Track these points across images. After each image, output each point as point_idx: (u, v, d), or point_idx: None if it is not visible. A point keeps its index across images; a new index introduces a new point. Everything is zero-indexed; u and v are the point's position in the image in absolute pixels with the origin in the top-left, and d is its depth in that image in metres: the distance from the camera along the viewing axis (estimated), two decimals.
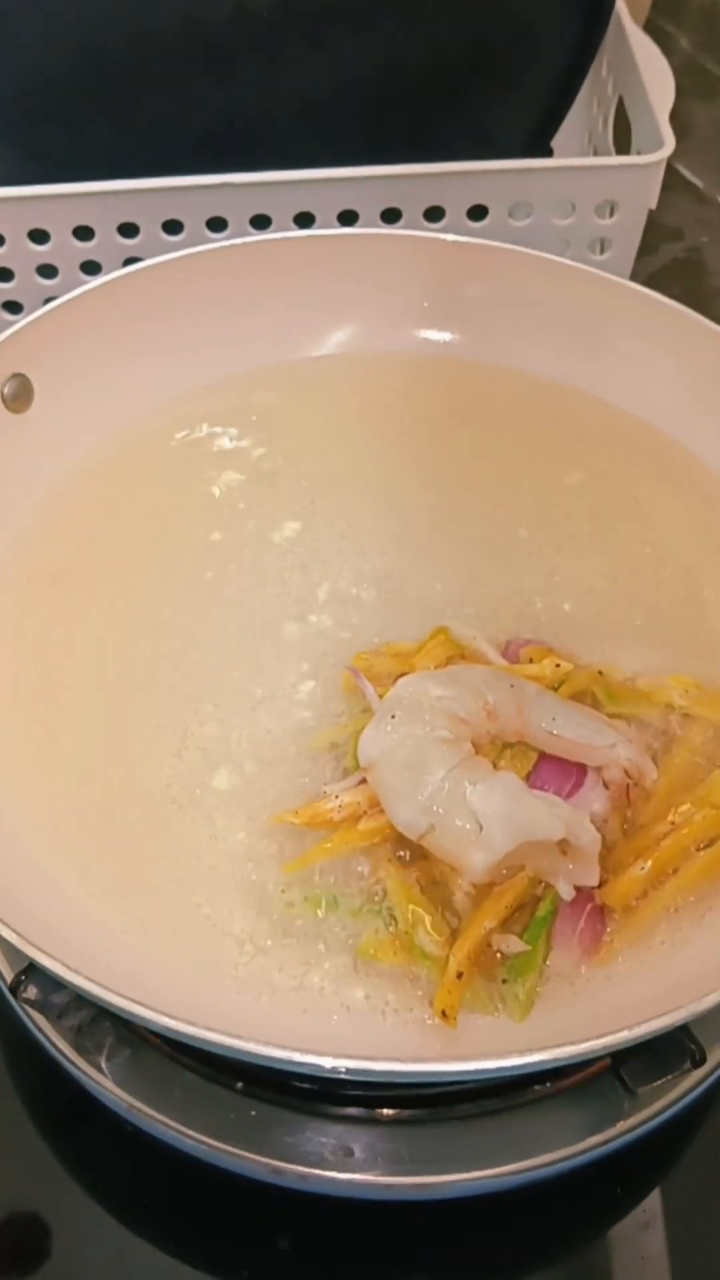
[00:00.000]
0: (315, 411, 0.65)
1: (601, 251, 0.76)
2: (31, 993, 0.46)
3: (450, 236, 0.66)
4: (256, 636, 0.55)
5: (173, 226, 0.71)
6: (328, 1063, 0.38)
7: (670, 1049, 0.45)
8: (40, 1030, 0.49)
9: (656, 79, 0.75)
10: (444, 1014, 0.43)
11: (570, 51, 0.76)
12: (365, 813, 0.47)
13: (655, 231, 0.86)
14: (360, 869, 0.47)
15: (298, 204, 0.71)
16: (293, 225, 0.72)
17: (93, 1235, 0.49)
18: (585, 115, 0.85)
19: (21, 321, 0.59)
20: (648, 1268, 0.48)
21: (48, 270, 0.73)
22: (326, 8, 0.71)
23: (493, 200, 0.72)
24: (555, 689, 0.50)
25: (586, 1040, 0.38)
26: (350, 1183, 0.45)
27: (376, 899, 0.46)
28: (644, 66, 0.76)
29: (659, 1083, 0.45)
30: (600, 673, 0.51)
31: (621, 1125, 0.47)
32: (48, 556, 0.58)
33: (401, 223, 0.73)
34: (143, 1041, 0.48)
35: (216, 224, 0.72)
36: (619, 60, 0.79)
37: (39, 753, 0.51)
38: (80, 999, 0.46)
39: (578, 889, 0.45)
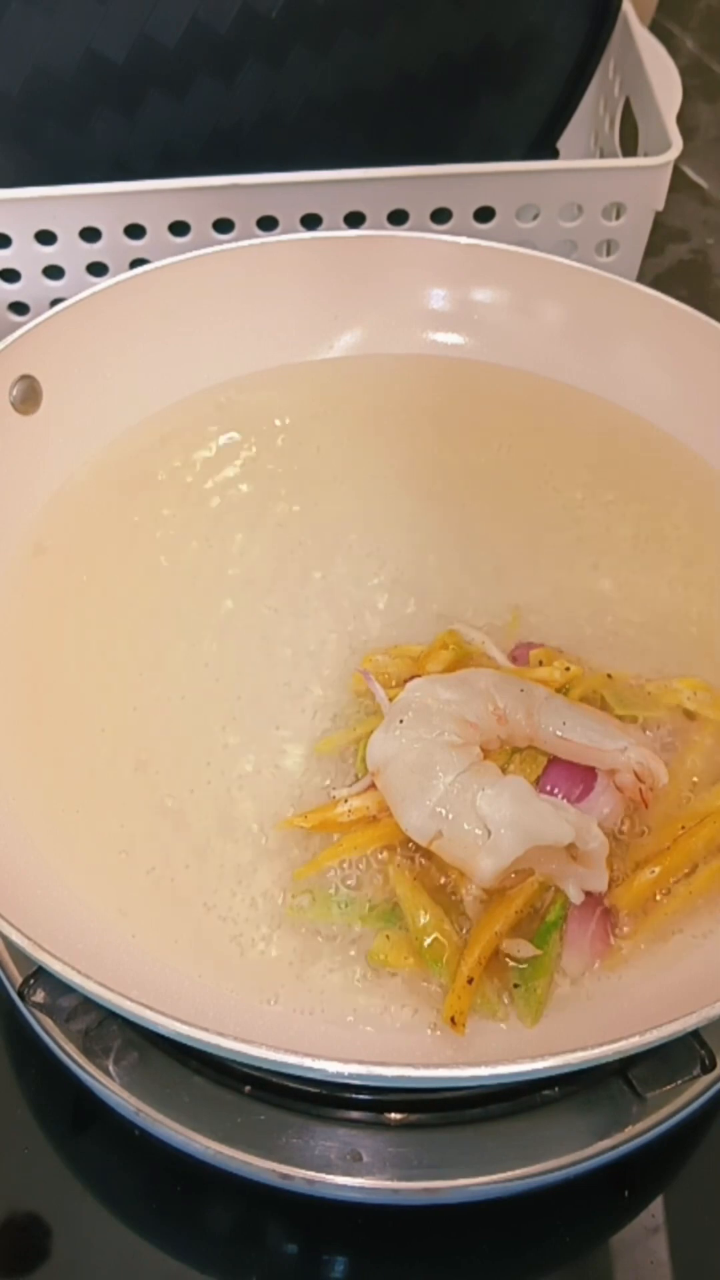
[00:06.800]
0: (323, 414, 0.65)
1: (608, 254, 0.76)
2: (40, 996, 0.46)
3: (458, 239, 0.66)
4: (264, 639, 0.55)
5: (179, 228, 0.71)
6: (338, 1068, 0.38)
7: (680, 1054, 0.45)
8: (48, 1033, 0.49)
9: (663, 80, 0.75)
10: (453, 1020, 0.43)
11: (577, 52, 0.76)
12: (374, 817, 0.47)
13: (660, 233, 0.86)
14: (369, 874, 0.47)
15: (304, 206, 0.71)
16: (300, 227, 0.72)
17: (98, 1238, 0.49)
18: (592, 117, 0.85)
19: (30, 323, 0.59)
20: (656, 1272, 0.48)
21: (54, 272, 0.73)
22: (333, 10, 0.71)
23: (500, 202, 0.72)
24: (564, 692, 0.50)
25: (598, 1046, 0.37)
26: (358, 1187, 0.45)
27: (386, 904, 0.46)
28: (651, 68, 0.75)
29: (668, 1088, 0.45)
30: (609, 676, 0.51)
31: (630, 1130, 0.46)
32: (57, 557, 0.58)
33: (408, 224, 0.73)
34: (150, 1045, 0.48)
35: (223, 225, 0.72)
36: (626, 61, 0.79)
37: (48, 757, 0.51)
38: (88, 1002, 0.45)
39: (587, 893, 0.45)
